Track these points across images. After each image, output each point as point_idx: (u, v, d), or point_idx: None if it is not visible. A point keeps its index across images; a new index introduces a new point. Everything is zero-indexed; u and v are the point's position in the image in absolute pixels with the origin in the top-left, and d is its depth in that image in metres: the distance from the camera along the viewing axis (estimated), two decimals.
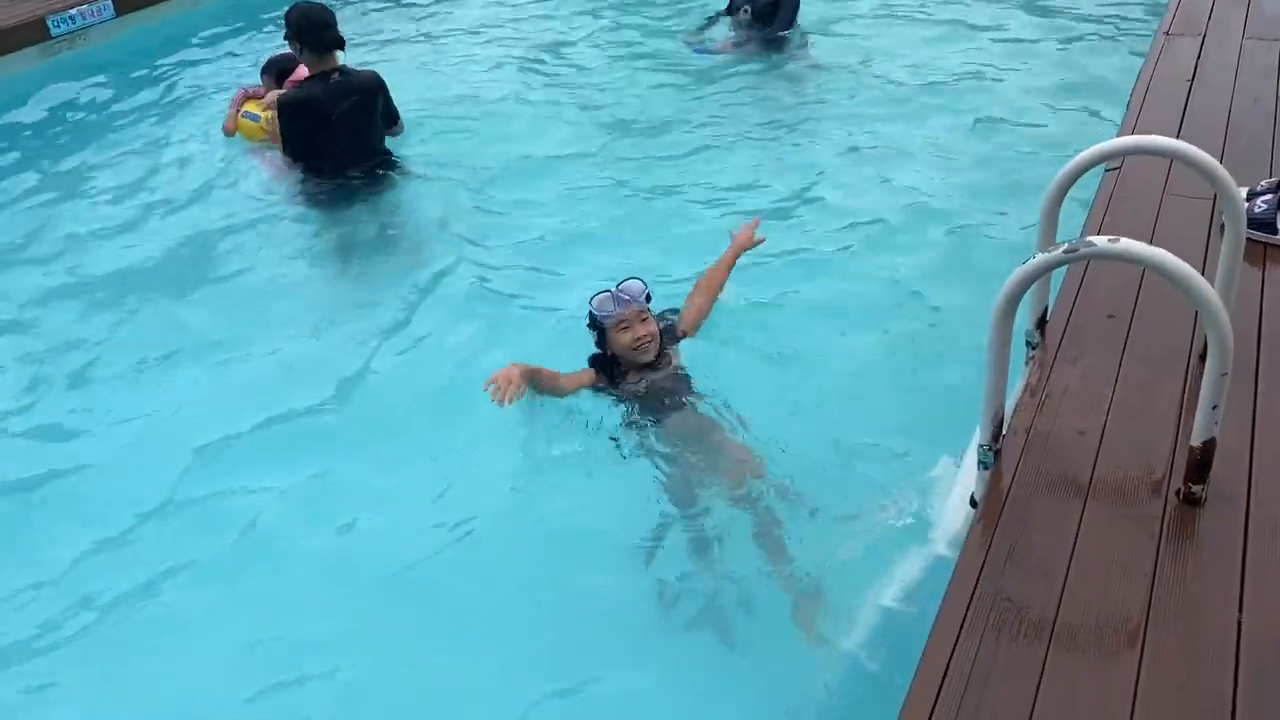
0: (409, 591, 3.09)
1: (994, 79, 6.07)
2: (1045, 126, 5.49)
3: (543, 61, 6.75)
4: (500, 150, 5.53)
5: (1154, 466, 2.59)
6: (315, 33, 4.73)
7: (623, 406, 3.46)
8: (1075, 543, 2.39)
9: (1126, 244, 2.21)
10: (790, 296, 4.22)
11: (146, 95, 6.49)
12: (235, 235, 4.87)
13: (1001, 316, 2.45)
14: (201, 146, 5.70)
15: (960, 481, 3.04)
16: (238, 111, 5.60)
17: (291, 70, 5.34)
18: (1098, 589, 2.26)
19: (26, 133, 6.11)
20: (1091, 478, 2.58)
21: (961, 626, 2.21)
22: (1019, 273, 2.38)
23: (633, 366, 3.47)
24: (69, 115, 6.30)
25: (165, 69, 6.85)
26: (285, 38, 4.91)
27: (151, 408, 3.81)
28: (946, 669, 2.12)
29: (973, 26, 6.88)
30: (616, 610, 3.02)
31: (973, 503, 2.69)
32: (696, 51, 6.74)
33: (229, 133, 5.61)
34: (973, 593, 2.29)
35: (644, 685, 2.80)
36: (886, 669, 2.68)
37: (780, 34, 6.62)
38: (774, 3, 6.60)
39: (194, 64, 6.86)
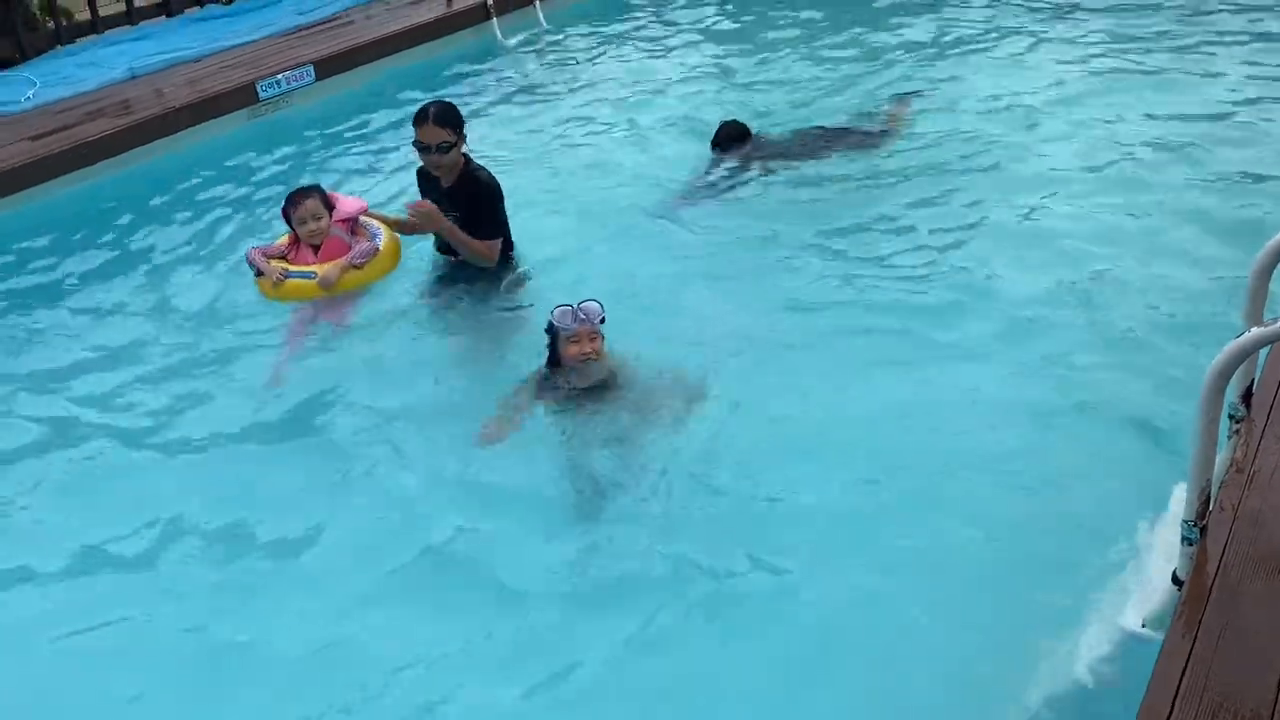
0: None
1: (1177, 148, 5.85)
2: (1244, 196, 5.26)
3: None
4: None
5: None
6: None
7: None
8: None
9: None
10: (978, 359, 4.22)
11: (335, 156, 6.95)
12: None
13: (1211, 391, 2.40)
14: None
15: (1156, 554, 2.96)
16: (275, 279, 4.82)
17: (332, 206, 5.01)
18: None
19: (231, 189, 6.56)
20: None
21: (1170, 713, 2.15)
22: (1233, 347, 2.33)
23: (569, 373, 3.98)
24: (267, 174, 6.75)
25: (353, 131, 7.30)
26: (414, 146, 4.77)
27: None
28: None
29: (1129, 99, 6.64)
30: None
31: (1175, 580, 2.62)
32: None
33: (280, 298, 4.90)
34: (1181, 677, 2.22)
35: None
36: None
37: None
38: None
39: (380, 128, 7.28)
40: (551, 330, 4.00)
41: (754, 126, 6.41)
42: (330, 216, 4.92)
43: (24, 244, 5.92)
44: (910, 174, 5.85)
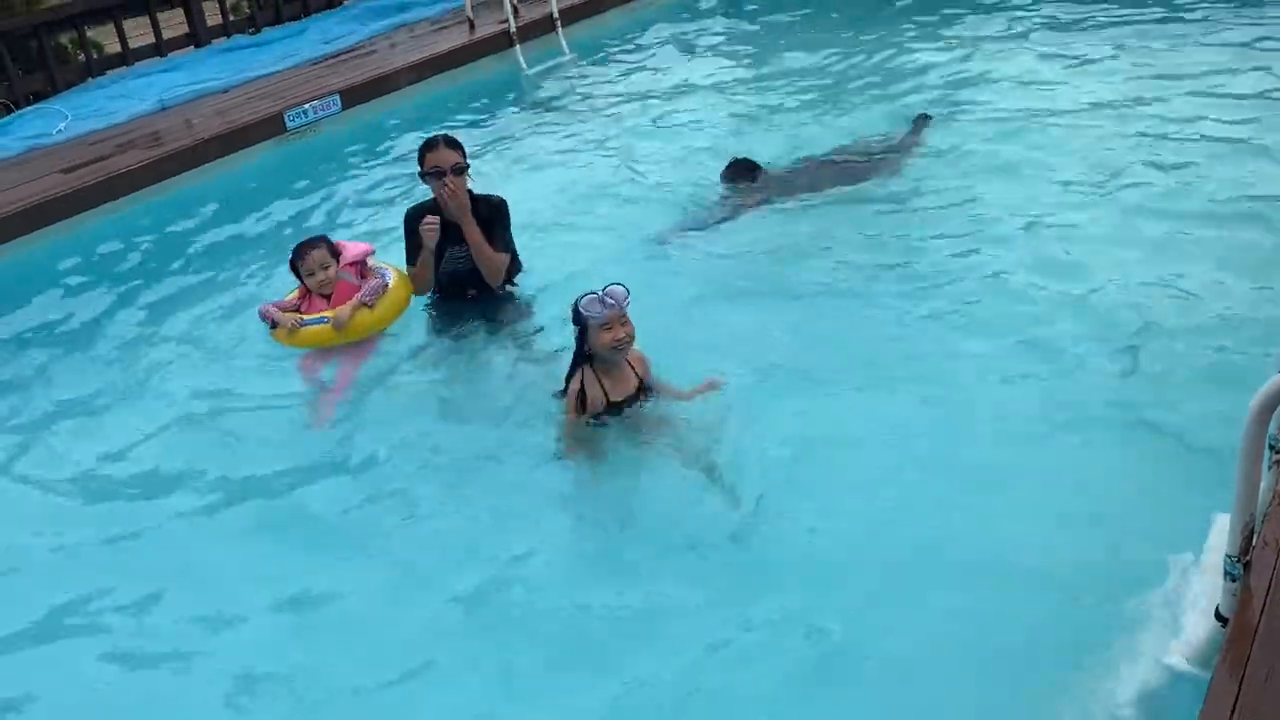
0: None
1: (1215, 172, 5.72)
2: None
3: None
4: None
5: None
6: None
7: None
8: None
9: None
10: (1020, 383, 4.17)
11: (363, 184, 7.01)
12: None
13: (1255, 423, 2.37)
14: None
15: (1197, 589, 2.91)
16: (290, 327, 4.76)
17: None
18: None
19: (261, 218, 6.62)
20: None
21: None
22: (1275, 381, 2.29)
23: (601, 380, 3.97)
24: (296, 203, 6.82)
25: (380, 159, 7.37)
26: (426, 177, 4.81)
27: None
28: None
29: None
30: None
31: (1219, 617, 2.58)
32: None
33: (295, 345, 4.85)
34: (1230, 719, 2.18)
35: None
36: None
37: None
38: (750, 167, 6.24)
39: (407, 155, 7.24)
40: (580, 320, 3.95)
41: (769, 154, 6.42)
42: (337, 264, 4.89)
43: (57, 276, 6.00)
44: (922, 201, 5.78)
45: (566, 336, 4.20)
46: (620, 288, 3.90)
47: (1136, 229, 5.22)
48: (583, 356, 4.02)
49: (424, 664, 3.22)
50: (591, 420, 4.00)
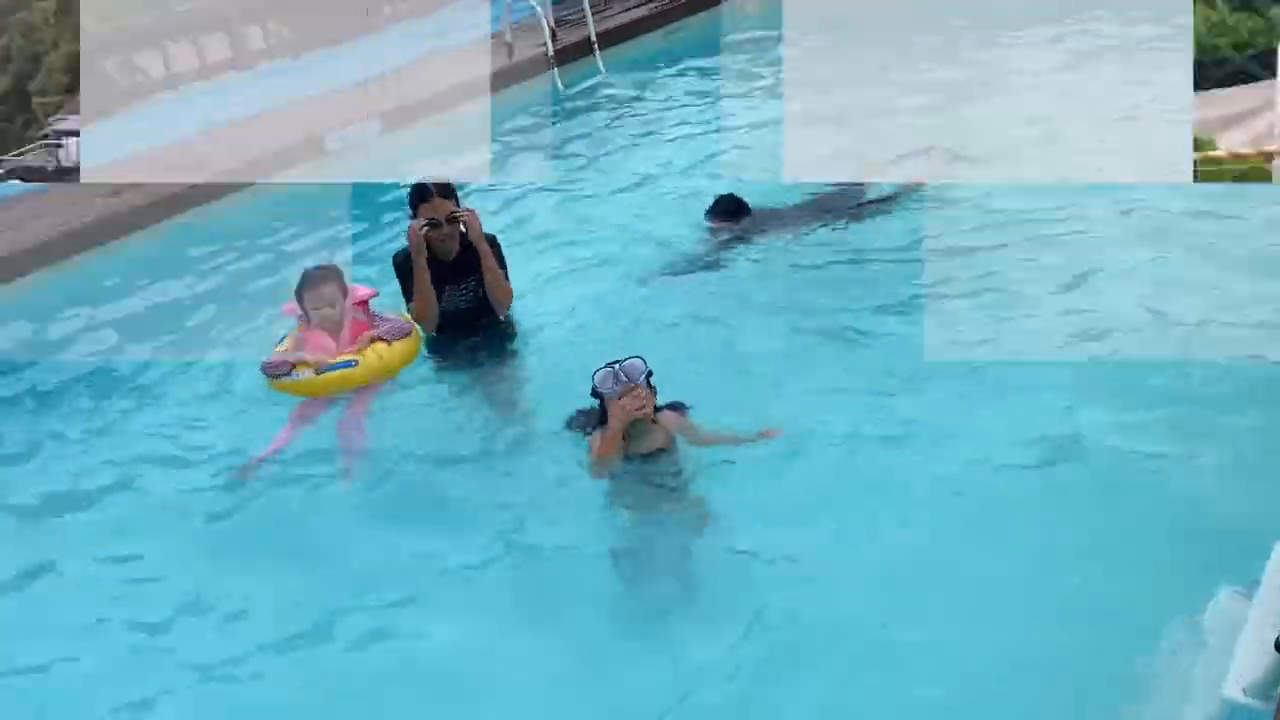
0: None
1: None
2: None
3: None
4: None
5: None
6: None
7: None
8: None
9: None
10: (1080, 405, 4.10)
11: (400, 205, 6.92)
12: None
13: None
14: None
15: (1255, 618, 2.83)
16: (314, 368, 4.53)
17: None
18: None
19: (300, 240, 6.66)
20: None
21: None
22: None
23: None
24: (336, 225, 6.82)
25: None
26: (424, 226, 4.68)
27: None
28: None
29: None
30: None
31: (1279, 648, 2.50)
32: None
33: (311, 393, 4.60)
34: None
35: None
36: None
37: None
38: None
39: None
40: (597, 394, 3.93)
41: (785, 188, 6.28)
42: (345, 300, 4.74)
43: (98, 299, 6.07)
44: (919, 242, 5.55)
45: (566, 355, 4.24)
46: (637, 362, 3.89)
47: (1161, 273, 5.00)
48: (604, 421, 3.97)
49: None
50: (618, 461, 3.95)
